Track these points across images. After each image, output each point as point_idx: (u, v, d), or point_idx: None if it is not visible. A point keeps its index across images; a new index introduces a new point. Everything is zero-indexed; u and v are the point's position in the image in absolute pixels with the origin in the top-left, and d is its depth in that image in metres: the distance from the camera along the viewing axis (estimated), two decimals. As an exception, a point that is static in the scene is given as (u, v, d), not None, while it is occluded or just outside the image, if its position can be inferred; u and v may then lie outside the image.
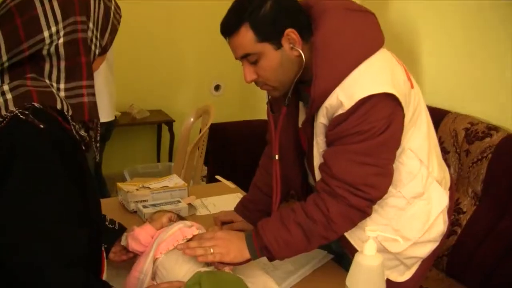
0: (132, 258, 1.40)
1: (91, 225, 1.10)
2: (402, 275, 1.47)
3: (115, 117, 2.90)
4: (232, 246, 1.35)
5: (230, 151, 3.02)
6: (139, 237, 1.37)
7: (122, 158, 4.05)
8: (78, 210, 1.03)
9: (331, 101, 1.28)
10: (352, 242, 1.43)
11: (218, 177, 2.26)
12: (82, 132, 1.11)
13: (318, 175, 1.39)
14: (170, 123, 4.13)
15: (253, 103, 4.16)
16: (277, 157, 1.46)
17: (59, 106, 1.03)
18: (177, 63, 4.26)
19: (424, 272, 1.51)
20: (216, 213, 1.88)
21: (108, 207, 1.90)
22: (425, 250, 1.46)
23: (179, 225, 1.39)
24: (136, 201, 1.87)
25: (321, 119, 1.33)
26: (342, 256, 1.56)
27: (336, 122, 1.29)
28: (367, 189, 1.29)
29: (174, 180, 2.03)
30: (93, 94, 1.12)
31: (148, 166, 3.83)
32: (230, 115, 4.07)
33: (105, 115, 2.73)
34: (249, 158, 3.07)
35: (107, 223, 1.42)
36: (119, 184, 1.94)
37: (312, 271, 1.53)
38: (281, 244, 1.34)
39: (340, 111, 1.27)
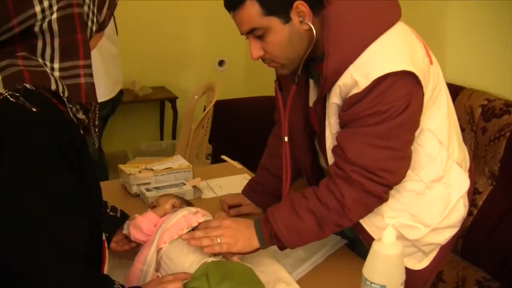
0: (135, 247, 1.33)
1: (91, 214, 1.03)
2: (420, 263, 1.39)
3: (122, 91, 2.79)
4: (240, 236, 1.27)
5: (236, 129, 2.93)
6: (141, 225, 1.30)
7: (124, 137, 3.97)
8: (76, 199, 0.96)
9: (345, 80, 1.20)
10: (367, 228, 1.35)
11: (224, 157, 2.18)
12: (80, 115, 1.02)
13: (330, 157, 1.31)
14: (173, 100, 4.04)
15: (259, 78, 4.05)
16: (286, 138, 1.38)
17: (53, 87, 0.94)
18: (180, 38, 4.15)
19: (442, 258, 1.44)
20: (222, 195, 1.81)
21: (110, 190, 1.84)
22: (444, 236, 1.39)
23: (183, 212, 1.32)
24: (139, 184, 1.80)
25: (334, 99, 1.24)
26: (356, 241, 1.49)
27: (350, 103, 1.20)
28: (384, 174, 1.21)
29: (178, 161, 1.95)
30: (91, 75, 1.03)
31: (151, 145, 3.75)
32: (234, 91, 3.98)
33: (111, 89, 2.66)
34: (255, 136, 2.99)
35: (108, 210, 1.34)
36: (121, 166, 1.87)
37: (325, 258, 1.46)
38: (292, 232, 1.27)
39: (355, 91, 1.18)
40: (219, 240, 1.25)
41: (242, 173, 2.03)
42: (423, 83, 1.20)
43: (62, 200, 0.92)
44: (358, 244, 1.47)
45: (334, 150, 1.28)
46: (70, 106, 0.98)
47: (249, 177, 1.97)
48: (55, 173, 0.91)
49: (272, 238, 1.29)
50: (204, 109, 3.12)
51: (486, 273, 1.96)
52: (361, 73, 1.17)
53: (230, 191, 1.83)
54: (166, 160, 1.96)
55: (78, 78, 1.00)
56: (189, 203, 1.53)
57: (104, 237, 1.25)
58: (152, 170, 1.88)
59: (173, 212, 1.35)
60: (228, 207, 1.68)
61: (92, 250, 1.10)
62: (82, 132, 1.03)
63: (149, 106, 4.17)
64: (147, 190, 1.76)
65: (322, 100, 1.28)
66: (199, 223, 1.30)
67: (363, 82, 1.17)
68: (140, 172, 1.85)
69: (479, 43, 2.29)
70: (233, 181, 1.96)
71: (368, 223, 1.34)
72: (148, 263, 1.22)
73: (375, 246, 1.12)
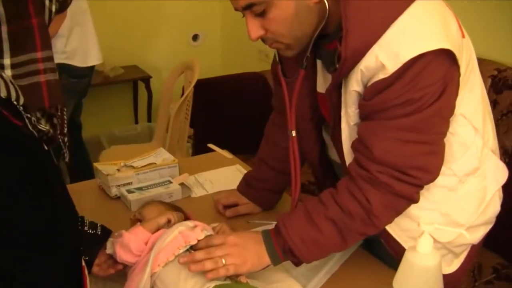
0: (122, 270, 1.12)
1: (64, 246, 0.81)
2: (450, 265, 1.22)
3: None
4: (248, 254, 1.08)
5: (219, 111, 2.71)
6: (129, 244, 1.09)
7: (97, 122, 3.69)
8: (39, 232, 0.74)
9: (369, 62, 0.99)
10: (391, 232, 1.17)
11: (211, 145, 1.96)
12: (42, 125, 0.79)
13: (347, 152, 1.12)
14: (147, 80, 3.78)
15: (237, 53, 3.81)
16: (294, 133, 1.17)
17: (3, 94, 0.71)
18: (150, 12, 3.85)
19: (473, 258, 1.27)
20: (214, 192, 1.60)
21: (85, 193, 1.62)
22: (478, 235, 1.22)
23: (179, 227, 1.11)
24: (119, 185, 1.58)
25: (354, 86, 1.04)
26: (371, 241, 1.30)
27: (375, 90, 1.00)
28: (417, 173, 1.03)
29: (162, 155, 1.73)
30: (53, 70, 0.80)
31: (126, 129, 3.50)
32: (211, 68, 3.73)
33: (100, 55, 2.52)
34: (242, 118, 2.79)
35: (86, 228, 1.12)
36: (96, 165, 1.64)
37: (341, 264, 1.27)
38: (309, 245, 1.08)
39: (382, 76, 0.98)
40: (224, 261, 1.06)
41: (233, 164, 1.81)
42: (459, 62, 1.00)
43: (18, 238, 0.71)
44: (374, 244, 1.29)
45: (356, 147, 1.08)
46: (29, 116, 0.75)
47: (242, 168, 1.77)
48: (8, 207, 0.69)
49: (286, 254, 1.10)
50: (183, 90, 2.88)
51: (504, 259, 1.84)
52: (389, 54, 0.97)
53: (222, 187, 1.63)
54: (148, 154, 1.74)
55: (38, 76, 0.77)
56: (178, 209, 1.32)
57: (83, 263, 1.04)
58: (132, 167, 1.65)
59: (165, 227, 1.14)
60: (224, 208, 1.48)
61: (69, 283, 0.89)
62: (46, 146, 0.80)
63: (121, 88, 3.89)
64: (129, 191, 1.54)
65: (338, 86, 1.08)
66: (199, 241, 1.10)
67: (392, 65, 0.96)
68: (119, 170, 1.62)
69: (487, 7, 2.09)
70: (224, 174, 1.75)
71: (393, 226, 1.16)
72: (140, 292, 1.02)
73: (409, 256, 0.96)
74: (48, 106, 0.78)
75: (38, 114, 0.78)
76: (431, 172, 1.04)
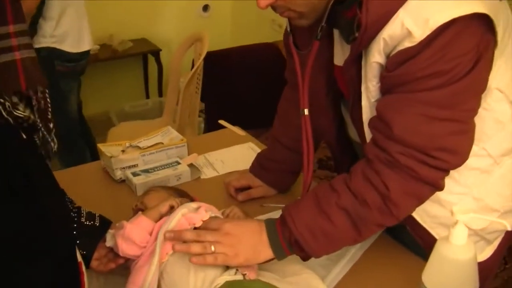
0: (124, 263, 1.03)
1: (50, 249, 0.73)
2: (482, 253, 1.12)
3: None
4: (242, 246, 0.98)
5: (231, 85, 2.59)
6: (132, 236, 1.00)
7: (106, 98, 3.60)
8: (18, 235, 0.65)
9: (393, 29, 0.87)
10: (418, 218, 1.08)
11: (222, 122, 1.85)
12: (20, 111, 0.70)
13: (368, 132, 1.01)
14: (156, 53, 3.67)
15: (249, 23, 3.67)
16: (306, 111, 1.06)
17: None
18: (158, -18, 3.73)
19: (507, 244, 1.16)
20: (226, 173, 1.51)
21: (88, 176, 1.54)
22: (513, 220, 1.10)
23: (182, 210, 1.02)
24: (123, 168, 1.48)
25: (376, 57, 0.92)
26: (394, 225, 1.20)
27: (400, 60, 0.88)
28: (443, 155, 0.91)
29: (169, 134, 1.63)
30: (29, 46, 0.70)
31: (136, 105, 3.39)
32: (221, 40, 3.60)
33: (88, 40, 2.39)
34: (255, 92, 2.67)
35: (83, 219, 1.03)
36: (100, 146, 1.54)
37: (364, 251, 1.17)
38: (318, 238, 0.97)
39: (407, 44, 0.86)
40: (213, 249, 0.96)
41: (245, 142, 1.71)
42: (496, 28, 0.88)
43: None
44: (399, 229, 1.18)
45: (373, 124, 0.97)
46: (2, 100, 0.65)
47: (255, 147, 1.66)
48: None
49: (292, 246, 1.00)
50: (193, 63, 2.76)
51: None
52: (417, 19, 0.84)
53: (234, 167, 1.54)
54: (154, 134, 1.64)
55: (11, 53, 0.67)
56: (183, 193, 1.22)
57: (80, 259, 0.96)
58: (138, 147, 1.56)
59: (168, 215, 1.05)
60: (235, 191, 1.39)
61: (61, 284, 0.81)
62: (24, 135, 0.70)
63: (131, 62, 3.78)
64: (134, 174, 1.45)
65: (357, 58, 0.96)
66: (204, 222, 1.01)
67: (420, 32, 0.84)
68: (123, 151, 1.53)
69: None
70: (236, 153, 1.65)
71: (419, 211, 1.05)
72: (148, 287, 0.93)
73: (441, 248, 0.86)
74: (25, 88, 0.68)
75: (15, 99, 0.68)
76: (459, 154, 0.92)
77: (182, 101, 2.42)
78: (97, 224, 1.04)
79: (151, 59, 3.72)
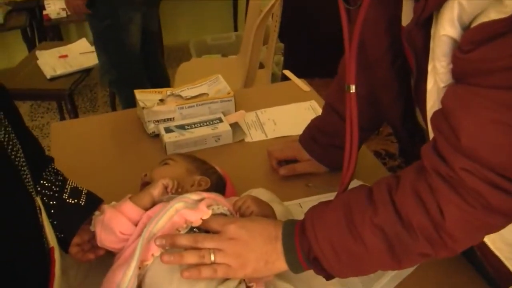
0: (103, 255, 0.85)
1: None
2: None
3: None
4: (250, 255, 0.75)
5: (313, 23, 2.27)
6: (111, 224, 0.80)
7: (190, 27, 3.40)
8: None
9: None
10: (488, 242, 0.79)
11: (287, 72, 1.58)
12: None
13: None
14: (247, -18, 3.37)
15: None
16: (353, 88, 0.77)
17: None
18: None
19: None
20: (274, 138, 1.26)
21: (120, 126, 1.37)
22: None
23: (177, 204, 0.79)
24: (158, 121, 1.28)
25: (446, 29, 0.61)
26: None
27: (481, 37, 0.57)
28: None
29: (217, 84, 1.40)
30: None
31: (219, 37, 3.13)
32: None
33: None
34: (335, 36, 2.33)
35: (65, 195, 0.84)
36: (137, 93, 1.34)
37: (415, 267, 0.90)
38: (342, 258, 0.73)
39: (494, 15, 0.56)
40: (213, 258, 0.74)
41: (309, 100, 1.44)
42: None
43: None
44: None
45: (436, 124, 0.68)
46: None
47: (317, 107, 1.39)
48: None
49: (310, 263, 0.75)
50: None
51: None
52: None
53: (286, 131, 1.29)
54: (202, 81, 1.41)
55: None
56: (208, 170, 0.99)
57: (52, 243, 0.78)
58: (180, 96, 1.34)
59: (165, 200, 0.83)
60: (278, 163, 1.14)
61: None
62: None
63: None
64: (167, 130, 1.24)
65: (424, 25, 0.65)
66: (204, 221, 0.78)
67: None
68: (162, 101, 1.32)
69: None
70: (293, 112, 1.39)
71: (492, 236, 0.75)
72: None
73: None
74: None
75: None
76: None
77: (255, 38, 2.13)
78: (82, 203, 0.84)
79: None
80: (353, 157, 0.81)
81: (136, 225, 0.80)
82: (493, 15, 0.55)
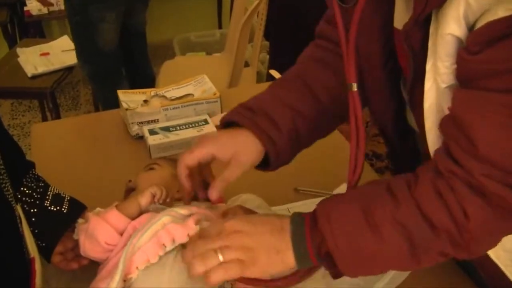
0: (86, 265, 0.82)
1: None
2: None
3: None
4: (258, 246, 0.71)
5: (299, 19, 2.25)
6: (96, 233, 0.77)
7: (173, 24, 3.36)
8: None
9: None
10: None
11: (273, 72, 1.56)
12: None
13: (431, 127, 0.70)
14: (232, -23, 3.34)
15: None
16: (355, 86, 0.75)
17: None
18: None
19: None
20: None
21: (103, 127, 1.34)
22: None
23: (164, 218, 0.76)
24: (142, 122, 1.25)
25: (451, 27, 0.60)
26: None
27: (488, 37, 0.56)
28: None
29: (203, 85, 1.37)
30: None
31: (203, 34, 3.11)
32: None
33: None
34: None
35: (47, 203, 0.81)
36: (120, 94, 1.32)
37: (407, 275, 0.89)
38: (359, 254, 0.69)
39: (502, 13, 0.54)
40: (221, 258, 0.69)
41: (295, 100, 1.41)
42: None
43: None
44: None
45: (447, 131, 0.66)
46: None
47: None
48: None
49: (321, 259, 0.71)
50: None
51: None
52: None
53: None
54: (187, 82, 1.39)
55: None
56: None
57: (33, 254, 0.75)
58: (165, 97, 1.32)
59: (151, 210, 0.80)
60: (189, 179, 0.85)
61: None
62: None
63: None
64: (151, 132, 1.22)
65: (422, 24, 0.64)
66: (191, 237, 0.75)
67: None
68: (146, 102, 1.29)
69: None
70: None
71: None
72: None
73: None
74: None
75: None
76: None
77: (240, 36, 2.11)
78: (65, 211, 0.82)
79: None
80: (360, 157, 0.78)
81: (121, 234, 0.78)
82: (501, 12, 0.53)
